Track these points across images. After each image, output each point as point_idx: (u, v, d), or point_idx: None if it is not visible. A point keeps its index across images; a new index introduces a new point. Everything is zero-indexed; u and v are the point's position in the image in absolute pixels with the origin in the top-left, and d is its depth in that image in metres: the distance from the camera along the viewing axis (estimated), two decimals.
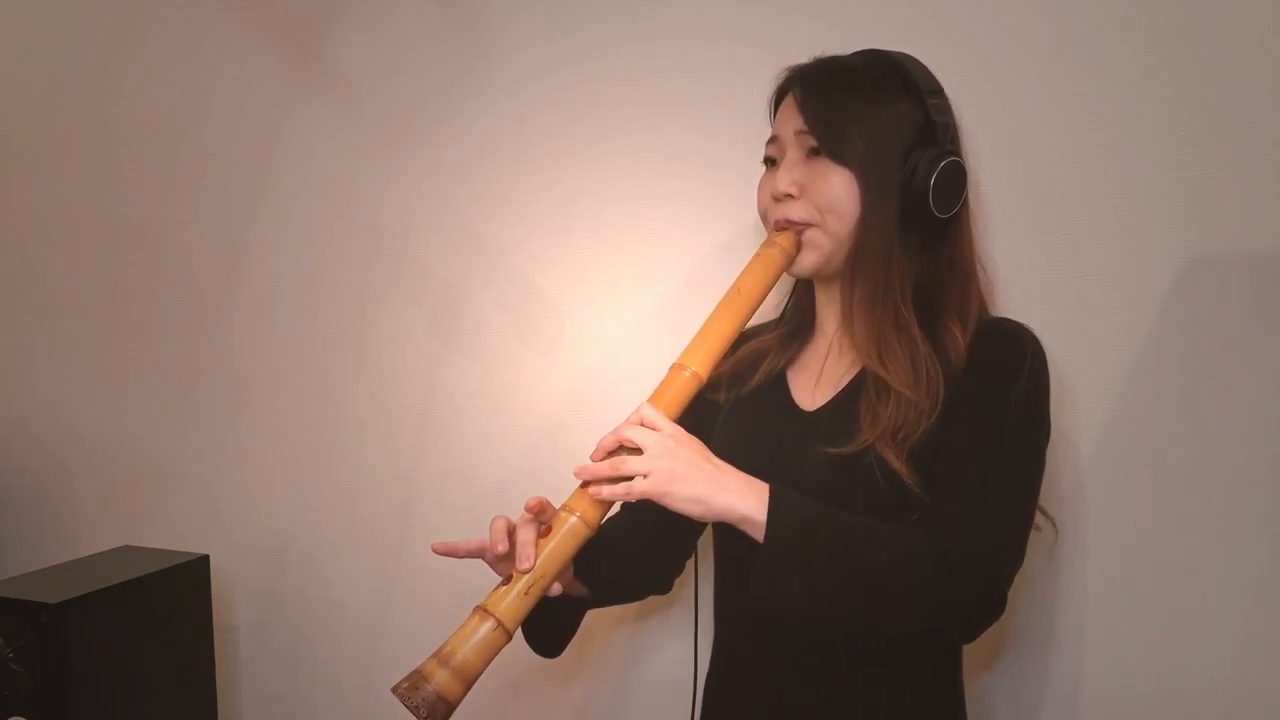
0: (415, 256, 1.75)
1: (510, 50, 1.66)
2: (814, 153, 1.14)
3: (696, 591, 1.29)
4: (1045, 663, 1.41)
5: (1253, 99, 1.28)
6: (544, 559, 1.05)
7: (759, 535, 1.02)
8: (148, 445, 1.98)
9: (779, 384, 1.23)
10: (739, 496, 1.03)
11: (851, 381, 1.18)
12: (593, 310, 1.63)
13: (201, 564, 1.74)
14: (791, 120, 1.16)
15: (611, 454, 1.06)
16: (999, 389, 1.10)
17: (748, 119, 1.47)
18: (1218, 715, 1.33)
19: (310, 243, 1.82)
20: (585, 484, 1.08)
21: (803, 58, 1.21)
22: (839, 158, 1.12)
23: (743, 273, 1.15)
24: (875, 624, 1.08)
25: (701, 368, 1.11)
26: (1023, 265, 1.36)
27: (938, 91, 1.16)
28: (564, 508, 1.08)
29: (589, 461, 1.07)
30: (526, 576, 1.04)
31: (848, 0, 1.45)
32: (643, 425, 1.06)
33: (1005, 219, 1.37)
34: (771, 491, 1.03)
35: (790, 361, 1.25)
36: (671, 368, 1.12)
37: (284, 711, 1.91)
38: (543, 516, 1.09)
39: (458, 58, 1.69)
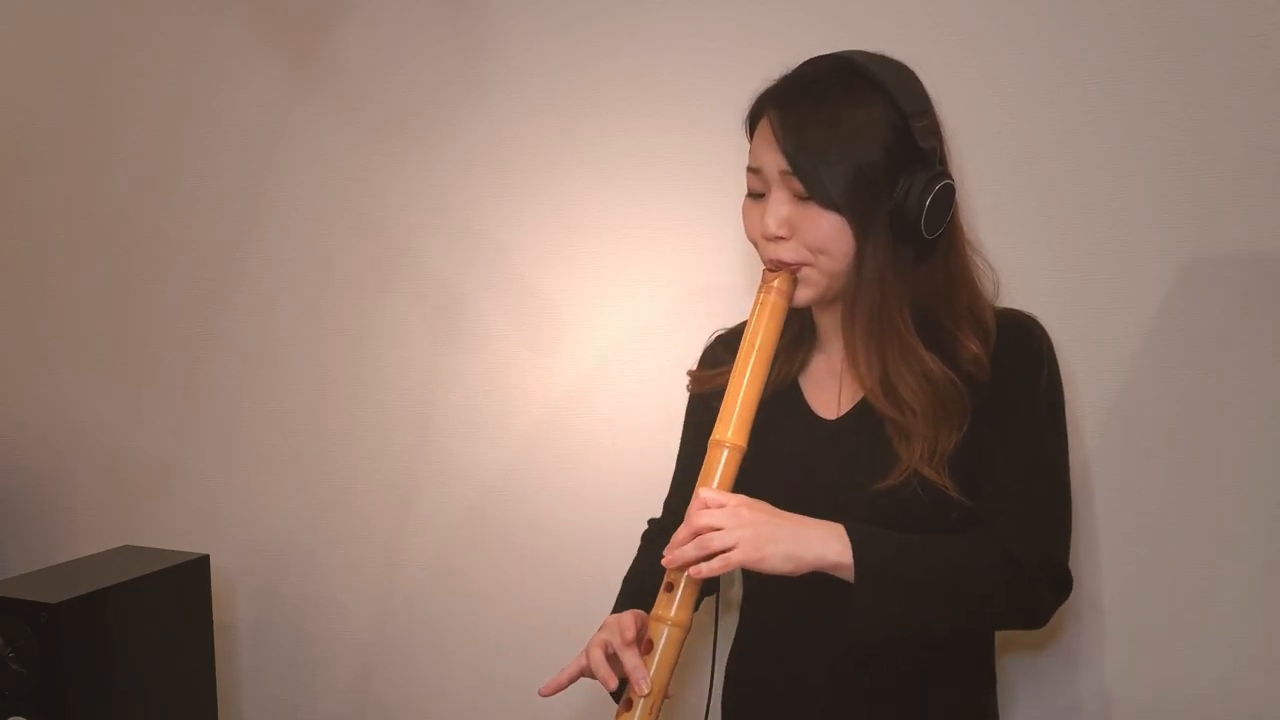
0: (415, 256, 1.75)
1: (510, 50, 1.66)
2: (802, 195, 1.11)
3: (718, 593, 1.30)
4: (1051, 656, 1.41)
5: (1253, 99, 1.28)
6: (656, 675, 1.08)
7: (849, 577, 1.04)
8: (148, 445, 1.98)
9: (793, 392, 1.23)
10: (824, 545, 1.05)
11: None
12: (593, 310, 1.63)
13: (201, 564, 1.74)
14: (773, 157, 1.11)
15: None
16: (1025, 383, 1.13)
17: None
18: (1221, 715, 1.34)
19: (311, 243, 1.82)
20: (669, 587, 1.09)
21: (807, 59, 1.20)
22: (829, 205, 1.09)
23: (751, 327, 1.14)
24: (962, 629, 1.16)
25: (739, 438, 1.11)
26: (1025, 265, 1.36)
27: (923, 111, 1.12)
28: (655, 618, 1.10)
29: (669, 553, 1.07)
30: (647, 699, 1.07)
31: (850, 1, 1.45)
32: (707, 508, 1.06)
33: (1007, 219, 1.37)
34: (849, 533, 1.05)
35: (800, 368, 1.24)
36: (710, 445, 1.12)
37: (284, 711, 1.91)
38: (641, 633, 1.11)
39: (458, 58, 1.69)
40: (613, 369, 1.63)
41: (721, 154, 1.52)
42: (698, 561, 1.04)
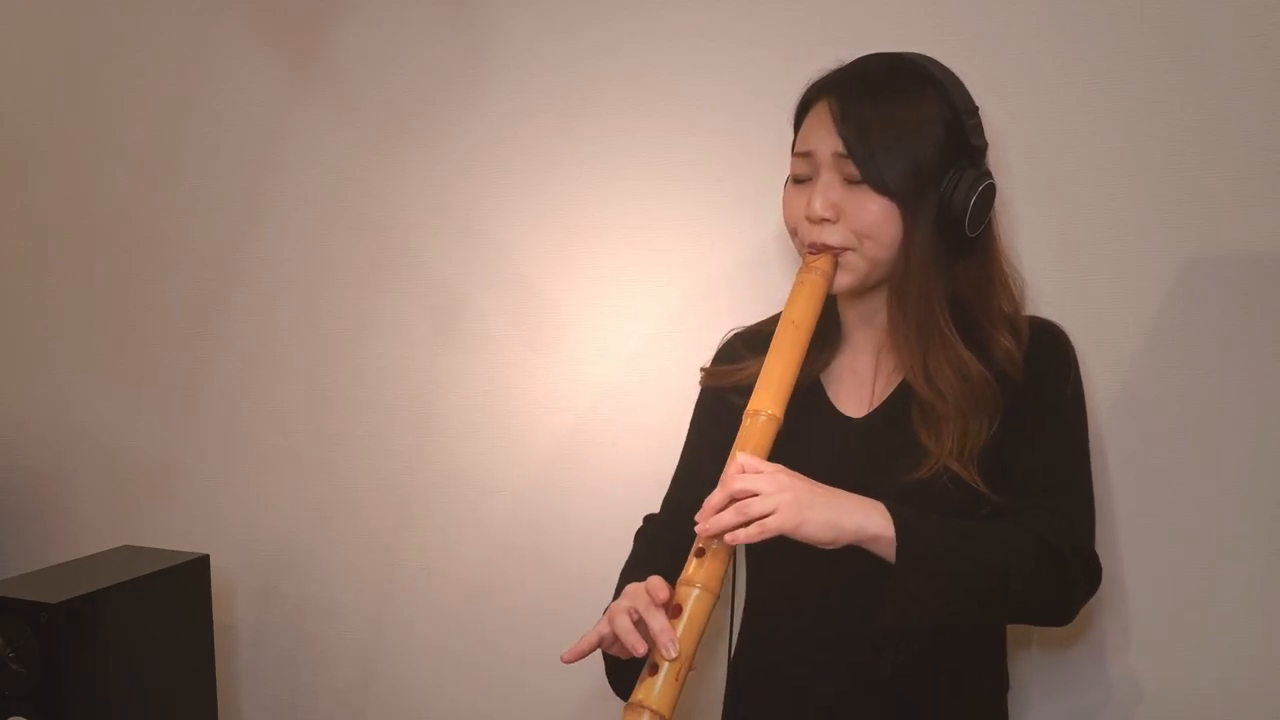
0: (415, 256, 1.75)
1: (510, 50, 1.66)
2: (854, 179, 1.12)
3: (734, 581, 1.27)
4: (1059, 656, 1.41)
5: (1253, 99, 1.27)
6: (683, 640, 1.02)
7: (888, 552, 1.04)
8: (148, 445, 1.98)
9: (816, 392, 1.23)
10: (864, 517, 1.04)
11: (897, 389, 1.19)
12: (593, 310, 1.63)
13: (201, 564, 1.74)
14: (828, 140, 1.13)
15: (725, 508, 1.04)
16: (1054, 385, 1.15)
17: (750, 120, 1.48)
18: (1221, 715, 1.34)
19: (311, 243, 1.82)
20: (699, 553, 1.06)
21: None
22: (883, 189, 1.10)
23: (790, 304, 1.14)
24: (995, 616, 1.17)
25: (775, 408, 1.09)
26: (1025, 265, 1.36)
27: (974, 110, 1.15)
28: (683, 581, 1.05)
29: (700, 520, 1.04)
30: (673, 663, 1.02)
31: (850, 1, 1.45)
32: (745, 473, 1.04)
33: (1007, 219, 1.37)
34: (890, 508, 1.05)
35: (823, 368, 1.24)
36: (745, 414, 1.10)
37: (284, 711, 1.91)
38: (664, 596, 1.06)
39: (458, 58, 1.69)
40: (613, 369, 1.63)
41: (721, 154, 1.53)
42: (735, 528, 1.01)
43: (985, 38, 1.38)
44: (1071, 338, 1.19)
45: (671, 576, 1.08)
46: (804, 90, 1.19)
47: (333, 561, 1.85)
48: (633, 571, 1.27)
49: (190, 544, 1.89)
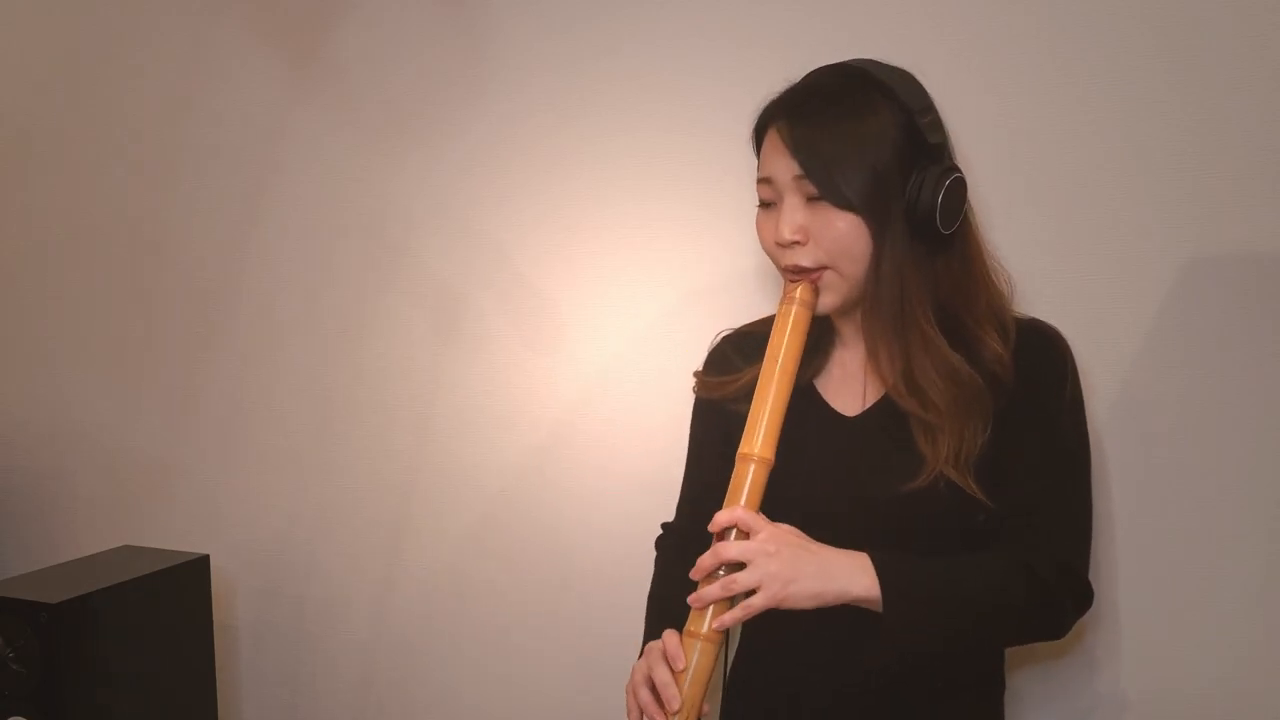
0: (415, 256, 1.75)
1: (510, 50, 1.66)
2: (815, 198, 1.11)
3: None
4: (1057, 658, 1.41)
5: (1253, 99, 1.27)
6: (689, 691, 1.07)
7: (875, 608, 1.05)
8: (148, 445, 1.98)
9: (809, 393, 1.22)
10: (849, 579, 1.05)
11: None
12: (593, 310, 1.64)
13: (201, 564, 1.74)
14: (785, 164, 1.12)
15: (713, 573, 1.06)
16: (1051, 395, 1.13)
17: (750, 120, 1.47)
18: (1221, 715, 1.34)
19: (311, 243, 1.83)
20: (699, 600, 1.09)
21: (807, 59, 1.20)
22: (843, 204, 1.09)
23: (774, 339, 1.13)
24: (984, 647, 1.20)
25: (766, 450, 1.09)
26: (1025, 265, 1.36)
27: (928, 107, 1.13)
28: (687, 633, 1.08)
29: (690, 575, 1.08)
30: (678, 714, 1.07)
31: (850, 1, 1.45)
32: (736, 528, 1.06)
33: (1007, 219, 1.37)
34: (876, 565, 1.05)
35: (817, 372, 1.24)
36: (738, 459, 1.10)
37: (284, 711, 1.91)
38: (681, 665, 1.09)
39: (458, 58, 1.69)
40: (613, 369, 1.63)
41: (721, 154, 1.53)
42: (723, 600, 1.05)
43: (985, 38, 1.38)
44: (1071, 338, 1.17)
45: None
46: (755, 117, 1.19)
47: (333, 561, 1.85)
48: (658, 602, 1.30)
49: (190, 544, 1.89)
